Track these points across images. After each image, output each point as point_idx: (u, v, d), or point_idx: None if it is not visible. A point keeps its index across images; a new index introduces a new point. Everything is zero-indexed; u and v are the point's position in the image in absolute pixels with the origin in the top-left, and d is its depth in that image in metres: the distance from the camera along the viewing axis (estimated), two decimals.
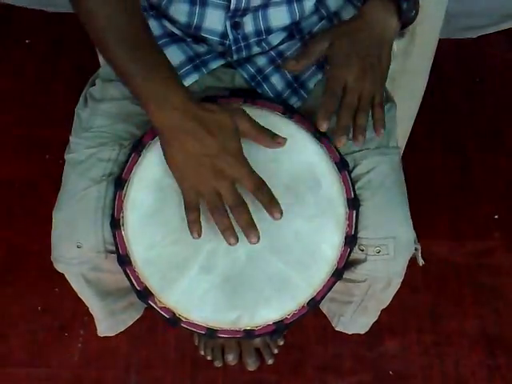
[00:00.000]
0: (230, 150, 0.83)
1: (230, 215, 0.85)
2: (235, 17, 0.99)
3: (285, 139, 0.89)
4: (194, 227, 0.86)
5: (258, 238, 0.85)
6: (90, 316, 1.19)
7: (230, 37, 1.01)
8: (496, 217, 1.74)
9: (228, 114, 0.84)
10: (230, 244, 0.85)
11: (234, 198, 0.84)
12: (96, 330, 1.22)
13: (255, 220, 0.85)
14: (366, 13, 0.96)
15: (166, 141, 0.85)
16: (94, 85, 1.09)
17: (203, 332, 0.95)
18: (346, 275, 1.00)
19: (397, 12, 0.96)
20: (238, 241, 0.85)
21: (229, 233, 0.84)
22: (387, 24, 0.96)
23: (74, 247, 0.97)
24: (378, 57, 0.95)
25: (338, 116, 0.91)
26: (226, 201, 0.84)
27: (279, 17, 1.02)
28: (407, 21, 0.98)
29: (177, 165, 0.85)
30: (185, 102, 0.82)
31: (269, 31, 1.04)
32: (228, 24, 0.99)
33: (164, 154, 0.86)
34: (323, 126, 0.91)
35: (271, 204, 0.85)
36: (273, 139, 0.88)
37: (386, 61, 0.96)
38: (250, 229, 0.84)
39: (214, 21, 0.99)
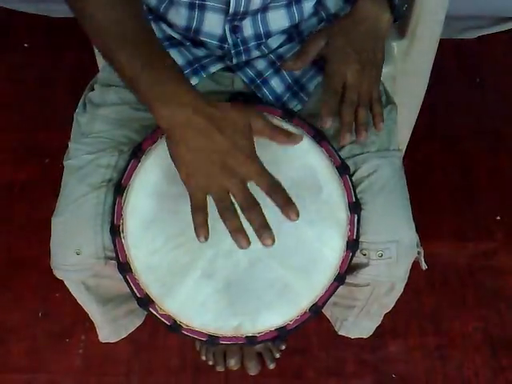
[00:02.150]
0: (242, 148, 0.79)
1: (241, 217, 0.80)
2: (234, 20, 0.98)
3: (300, 136, 0.87)
4: (201, 230, 0.80)
5: (273, 240, 0.78)
6: (91, 322, 1.19)
7: (229, 41, 1.01)
8: (498, 218, 1.73)
9: (240, 112, 0.81)
10: (241, 247, 0.78)
11: (247, 197, 0.79)
12: (97, 335, 1.21)
13: None
14: (359, 9, 0.99)
15: (173, 139, 0.81)
16: (93, 90, 1.08)
17: (204, 339, 0.95)
18: (349, 279, 0.99)
19: (389, 6, 0.99)
20: (250, 244, 0.78)
21: (240, 235, 0.78)
22: (380, 18, 0.98)
23: (74, 254, 0.96)
24: (373, 51, 0.97)
25: (340, 113, 0.94)
26: (238, 200, 0.79)
27: (278, 20, 1.02)
28: (399, 15, 1.00)
29: (185, 164, 0.81)
30: (195, 98, 0.80)
31: (268, 35, 1.03)
32: (227, 28, 0.99)
33: (171, 155, 0.82)
34: (327, 123, 0.92)
35: (287, 204, 0.79)
36: (288, 137, 0.86)
37: (380, 55, 0.99)
38: (265, 230, 0.78)
39: (213, 25, 0.99)
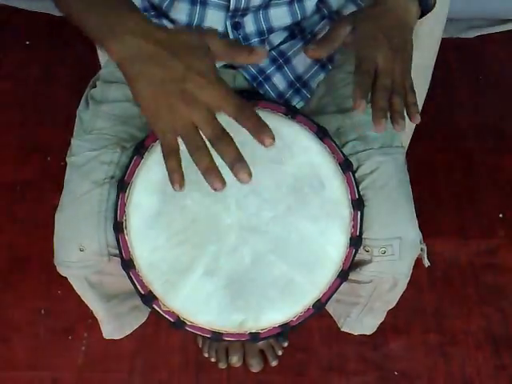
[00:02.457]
0: (200, 70, 0.71)
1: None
2: (235, 17, 0.98)
3: (265, 52, 0.78)
4: (175, 177, 0.71)
5: (250, 175, 0.69)
6: (94, 319, 1.19)
7: (231, 37, 1.00)
8: (500, 215, 1.73)
9: (195, 33, 0.74)
10: (214, 189, 0.69)
11: (213, 127, 0.70)
12: (100, 332, 1.21)
13: (258, 220, 0.84)
14: (387, 0, 0.92)
15: (130, 78, 0.73)
16: (95, 86, 1.08)
17: (208, 335, 0.95)
18: (352, 276, 0.99)
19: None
20: (224, 185, 0.69)
21: (212, 174, 0.69)
22: (408, 9, 0.92)
23: (77, 251, 0.96)
24: (404, 40, 0.90)
25: (373, 99, 0.84)
26: (205, 133, 0.70)
27: (280, 17, 1.01)
28: (427, 8, 0.94)
29: (146, 103, 0.73)
30: (141, 24, 0.73)
31: (270, 31, 1.03)
32: (228, 24, 0.99)
33: (133, 96, 0.74)
34: (361, 106, 0.82)
35: (260, 127, 0.70)
36: (251, 51, 0.76)
37: (410, 45, 0.91)
38: (238, 163, 0.69)
39: (215, 21, 0.99)
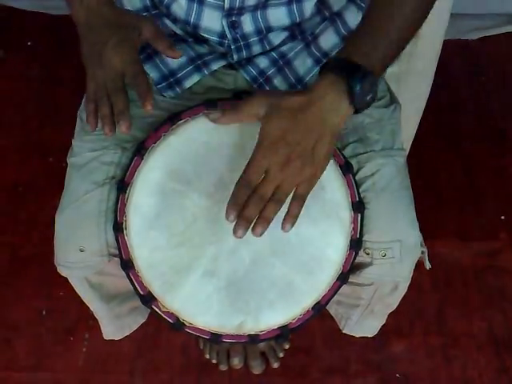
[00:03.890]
0: (119, 38, 0.88)
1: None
2: (231, 15, 0.98)
3: (179, 53, 0.93)
4: (89, 118, 0.88)
5: (127, 128, 0.85)
6: (95, 319, 1.19)
7: (229, 36, 1.00)
8: (502, 217, 1.73)
9: (136, 17, 0.94)
10: (106, 134, 0.86)
11: (114, 83, 0.87)
12: (101, 333, 1.22)
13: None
14: (313, 92, 0.81)
15: (79, 34, 0.93)
16: None
17: (207, 337, 0.95)
18: (352, 279, 0.99)
19: (348, 94, 0.81)
20: (113, 131, 0.86)
21: (105, 121, 0.86)
22: (334, 107, 0.81)
23: (77, 251, 0.96)
24: (314, 145, 0.80)
25: (244, 204, 0.80)
26: (108, 87, 0.87)
27: (279, 18, 1.01)
28: (361, 105, 0.82)
29: (83, 58, 0.91)
30: (98, 3, 0.91)
31: (269, 30, 1.03)
32: (225, 23, 0.99)
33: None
34: (230, 218, 0.79)
35: (144, 95, 0.86)
36: (170, 47, 0.92)
37: (322, 149, 0.81)
38: (120, 116, 0.85)
39: (211, 19, 0.99)
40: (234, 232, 0.79)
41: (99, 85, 0.87)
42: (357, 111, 0.83)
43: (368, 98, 0.82)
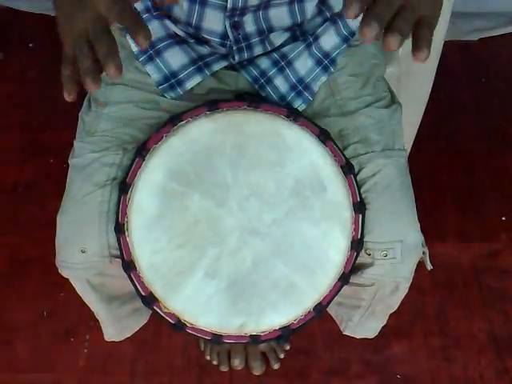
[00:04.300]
0: None
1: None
2: (234, 16, 0.98)
3: (149, 34, 0.76)
4: (66, 85, 0.73)
5: (118, 70, 0.69)
6: (96, 321, 1.19)
7: (231, 37, 1.00)
8: (503, 218, 1.73)
9: None
10: (89, 90, 0.72)
11: (96, 26, 0.73)
12: (102, 334, 1.22)
13: (260, 223, 0.84)
14: None
15: (55, 10, 0.78)
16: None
17: (209, 338, 0.95)
18: (353, 279, 0.99)
19: None
20: (98, 85, 0.71)
21: (87, 77, 0.70)
22: None
23: (79, 252, 0.96)
24: None
25: (369, 7, 0.65)
26: (90, 34, 0.73)
27: (280, 18, 1.01)
28: None
29: (58, 13, 0.78)
30: None
31: (270, 31, 1.03)
32: (227, 24, 0.99)
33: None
34: (351, 14, 0.64)
35: (136, 28, 0.71)
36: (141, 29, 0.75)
37: None
38: (108, 58, 0.70)
39: (213, 21, 0.99)
40: (362, 31, 0.64)
41: (78, 35, 0.73)
42: None
43: None
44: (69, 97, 0.73)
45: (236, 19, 0.99)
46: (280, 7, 1.00)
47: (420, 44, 0.66)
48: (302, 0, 1.01)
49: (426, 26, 0.69)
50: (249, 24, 1.01)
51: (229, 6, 0.95)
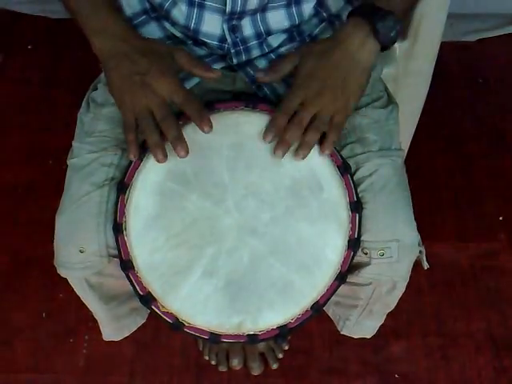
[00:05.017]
0: (161, 68, 0.88)
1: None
2: (232, 20, 0.99)
3: (218, 72, 0.94)
4: (131, 148, 0.90)
5: (186, 152, 0.87)
6: (95, 321, 1.19)
7: (229, 40, 1.01)
8: (501, 218, 1.73)
9: (164, 44, 0.95)
10: (158, 161, 0.87)
11: (162, 111, 0.87)
12: (101, 335, 1.22)
13: (258, 222, 0.84)
14: (338, 33, 0.94)
15: (107, 68, 0.91)
16: (96, 89, 1.09)
17: (206, 337, 0.95)
18: (351, 278, 1.00)
19: (373, 32, 0.91)
20: (165, 157, 0.87)
21: (157, 149, 0.87)
22: (361, 45, 0.91)
23: (77, 252, 0.97)
24: (344, 79, 0.91)
25: (284, 129, 0.90)
26: (156, 114, 0.87)
27: (278, 20, 1.02)
28: (386, 41, 0.92)
29: (116, 89, 0.90)
30: (124, 30, 0.92)
31: (268, 34, 1.03)
32: (225, 27, 0.99)
33: (108, 84, 0.92)
34: (268, 138, 0.90)
35: (199, 116, 0.87)
36: (207, 70, 0.93)
37: (354, 83, 0.92)
38: (177, 142, 0.86)
39: (212, 24, 0.99)
40: (275, 152, 0.90)
41: (142, 114, 0.88)
42: (384, 48, 0.93)
43: (392, 34, 0.91)
44: (134, 158, 0.90)
45: (234, 23, 0.99)
46: (277, 10, 1.01)
47: (326, 145, 0.91)
48: (299, 2, 1.02)
49: (335, 128, 0.91)
50: (247, 27, 1.01)
51: (227, 9, 0.96)
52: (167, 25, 1.05)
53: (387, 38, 0.92)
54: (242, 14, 0.98)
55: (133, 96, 0.88)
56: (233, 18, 0.98)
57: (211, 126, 0.87)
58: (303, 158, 0.90)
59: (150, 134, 0.87)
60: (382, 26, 0.90)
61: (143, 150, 0.94)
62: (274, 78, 0.97)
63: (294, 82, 0.93)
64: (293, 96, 0.91)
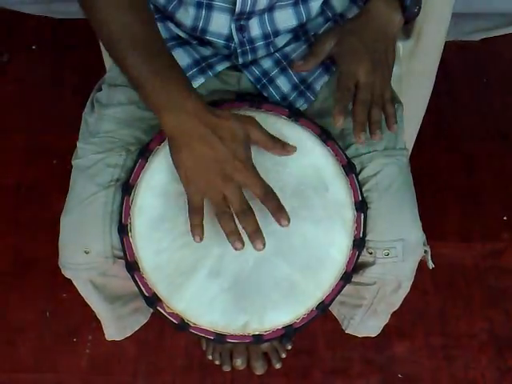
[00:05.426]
0: (240, 157, 0.84)
1: (236, 221, 0.85)
2: (240, 20, 0.98)
3: (294, 148, 0.90)
4: (197, 231, 0.86)
5: (264, 245, 0.85)
6: (98, 321, 1.19)
7: (236, 40, 1.01)
8: (505, 218, 1.73)
9: (241, 122, 0.85)
10: (235, 249, 0.85)
11: (242, 203, 0.84)
12: (104, 335, 1.22)
13: (263, 223, 0.84)
14: (370, 10, 0.99)
15: (176, 146, 0.85)
16: (101, 90, 1.09)
17: (212, 337, 0.95)
18: (355, 278, 1.00)
19: (400, 7, 0.98)
20: (243, 245, 0.85)
21: (235, 238, 0.85)
22: (391, 19, 0.98)
23: (82, 253, 0.97)
24: (385, 52, 0.97)
25: (353, 113, 0.93)
26: (233, 206, 0.85)
27: (286, 19, 1.02)
28: (410, 16, 0.99)
29: (186, 169, 0.85)
30: (198, 108, 0.83)
31: (276, 34, 1.03)
32: (233, 27, 0.99)
33: (173, 159, 0.86)
34: (340, 121, 0.91)
35: (279, 211, 0.85)
36: (283, 148, 0.90)
37: (391, 56, 0.99)
38: (256, 235, 0.84)
39: (220, 24, 0.99)
40: (357, 139, 0.92)
41: (218, 202, 0.85)
42: (406, 22, 0.99)
43: (416, 9, 0.98)
44: (200, 240, 0.87)
45: (242, 23, 0.99)
46: (285, 9, 1.01)
47: (392, 120, 0.95)
48: (306, 0, 1.02)
49: (388, 102, 0.96)
50: (254, 27, 1.01)
51: (237, 10, 0.96)
52: (171, 25, 1.05)
53: (411, 14, 0.98)
54: (250, 14, 0.98)
55: (209, 182, 0.84)
56: (241, 18, 0.98)
57: (289, 220, 0.85)
58: (380, 139, 0.94)
59: (227, 223, 0.85)
60: (409, 1, 0.97)
61: (147, 150, 0.94)
62: (315, 62, 1.00)
63: (343, 59, 0.96)
64: (349, 71, 0.94)
